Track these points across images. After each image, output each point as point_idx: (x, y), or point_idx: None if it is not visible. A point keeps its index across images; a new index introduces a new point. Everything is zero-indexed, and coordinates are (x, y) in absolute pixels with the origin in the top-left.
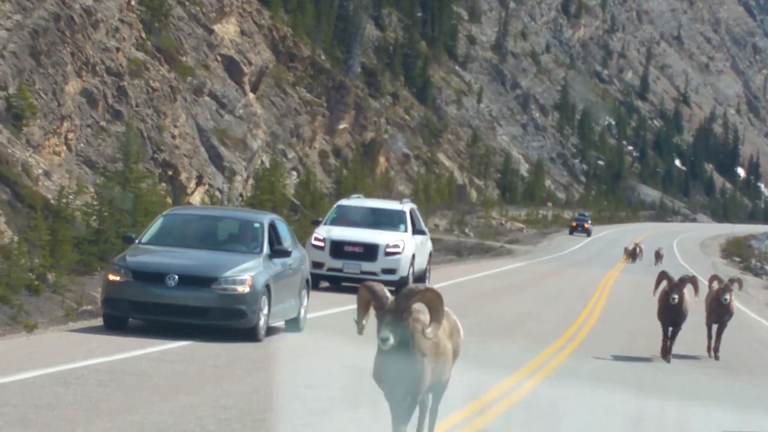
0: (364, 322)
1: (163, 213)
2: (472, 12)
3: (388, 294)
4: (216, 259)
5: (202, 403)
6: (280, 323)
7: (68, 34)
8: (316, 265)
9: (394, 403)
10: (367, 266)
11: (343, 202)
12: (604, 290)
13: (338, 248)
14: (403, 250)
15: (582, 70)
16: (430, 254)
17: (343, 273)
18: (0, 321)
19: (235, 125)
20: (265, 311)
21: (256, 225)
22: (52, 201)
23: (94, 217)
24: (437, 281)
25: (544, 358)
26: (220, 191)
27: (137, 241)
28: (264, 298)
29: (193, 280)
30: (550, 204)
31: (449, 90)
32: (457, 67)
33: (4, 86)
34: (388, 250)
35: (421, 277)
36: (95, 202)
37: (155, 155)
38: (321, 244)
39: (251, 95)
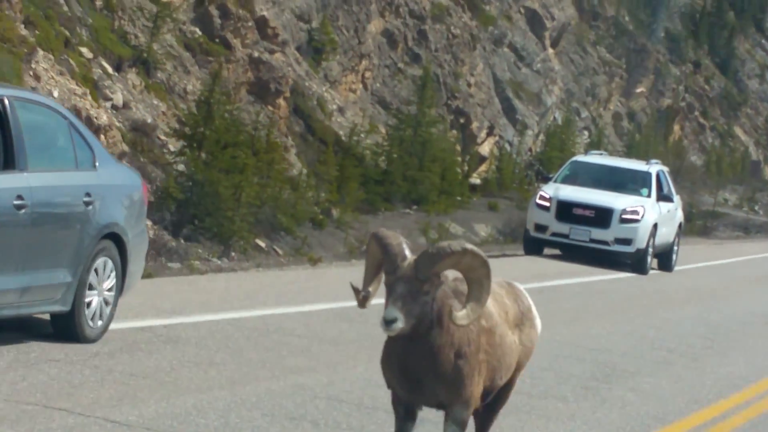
0: (370, 289)
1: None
2: None
3: (408, 252)
4: None
5: None
6: None
7: None
8: (539, 228)
9: (402, 413)
10: (597, 233)
11: (579, 158)
12: None
13: (566, 210)
14: (642, 217)
15: None
16: (680, 226)
17: (569, 239)
18: (284, 251)
19: (531, 79)
20: None
21: None
22: (343, 137)
23: (383, 157)
24: (719, 258)
25: None
26: (510, 144)
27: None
28: None
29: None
30: None
31: (753, 63)
32: (763, 41)
33: (308, 19)
34: (625, 216)
35: (665, 253)
36: (385, 143)
37: (449, 102)
38: (546, 204)
39: (551, 50)
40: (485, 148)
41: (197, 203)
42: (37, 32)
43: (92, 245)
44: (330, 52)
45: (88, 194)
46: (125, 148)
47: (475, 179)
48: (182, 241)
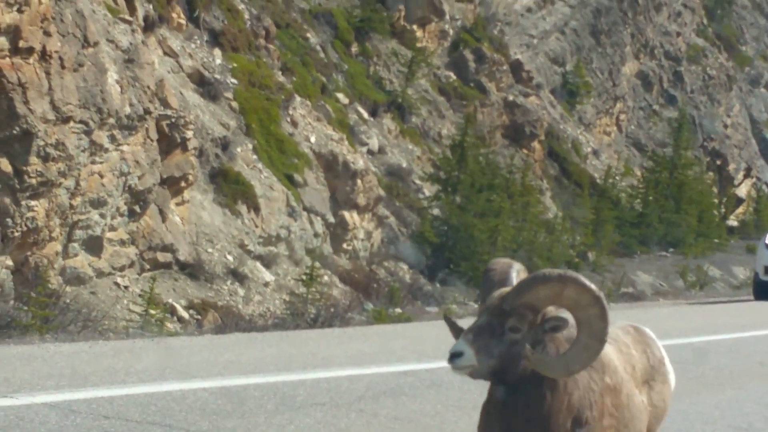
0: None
1: None
2: None
3: (514, 277)
4: None
5: (748, 398)
6: None
7: (630, 16)
8: None
9: None
10: None
11: None
12: None
13: None
14: None
15: None
16: None
17: None
18: None
19: None
20: None
21: None
22: (598, 180)
23: (639, 200)
24: None
25: None
26: (767, 185)
27: None
28: None
29: None
30: None
31: None
32: None
33: (562, 62)
34: None
35: None
36: (641, 185)
37: (705, 143)
38: None
39: None
40: (742, 190)
41: (452, 247)
42: (294, 79)
43: None
44: (584, 95)
45: None
46: (381, 192)
47: (732, 221)
48: (438, 285)
